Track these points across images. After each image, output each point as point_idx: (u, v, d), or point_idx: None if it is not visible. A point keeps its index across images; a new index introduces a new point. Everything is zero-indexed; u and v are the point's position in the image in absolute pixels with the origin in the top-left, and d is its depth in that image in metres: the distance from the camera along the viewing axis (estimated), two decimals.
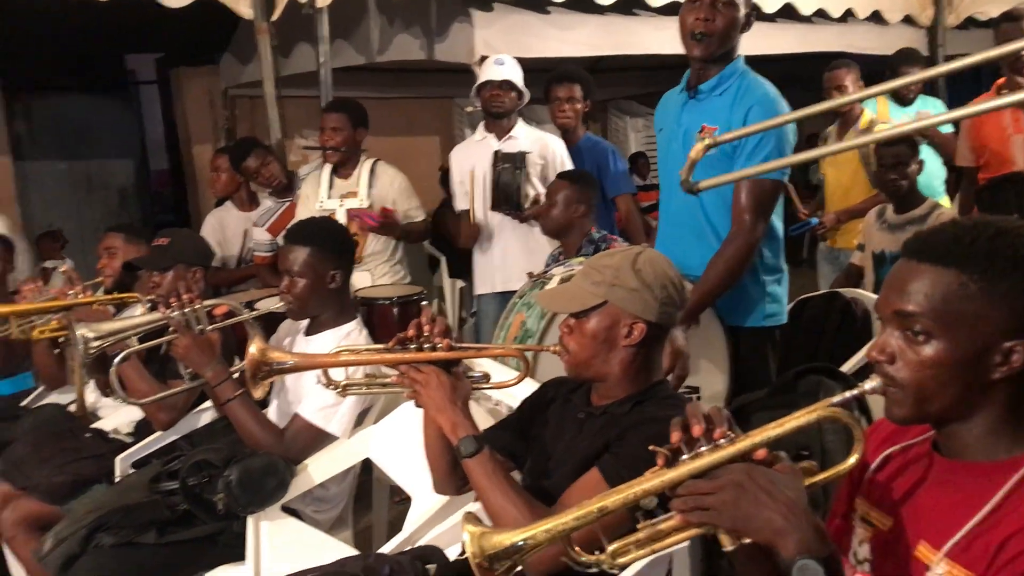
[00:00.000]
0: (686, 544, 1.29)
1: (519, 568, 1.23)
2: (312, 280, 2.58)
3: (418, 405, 1.82)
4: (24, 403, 3.52)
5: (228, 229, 4.55)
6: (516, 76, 3.98)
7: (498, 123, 4.03)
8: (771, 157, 2.45)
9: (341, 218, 3.95)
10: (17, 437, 3.06)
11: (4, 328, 3.05)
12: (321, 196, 4.05)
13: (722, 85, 2.56)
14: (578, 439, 1.79)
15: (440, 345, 1.80)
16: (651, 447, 1.22)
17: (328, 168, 4.10)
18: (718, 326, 2.64)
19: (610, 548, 1.23)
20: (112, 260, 3.42)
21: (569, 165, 3.97)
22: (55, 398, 3.49)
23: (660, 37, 5.06)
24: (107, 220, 7.25)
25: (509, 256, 3.97)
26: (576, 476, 1.68)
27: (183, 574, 2.46)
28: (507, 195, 3.84)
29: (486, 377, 1.94)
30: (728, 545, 1.16)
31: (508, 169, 3.81)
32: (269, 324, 2.97)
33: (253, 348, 1.93)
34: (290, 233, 2.71)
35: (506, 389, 1.99)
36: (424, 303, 3.65)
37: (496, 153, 3.88)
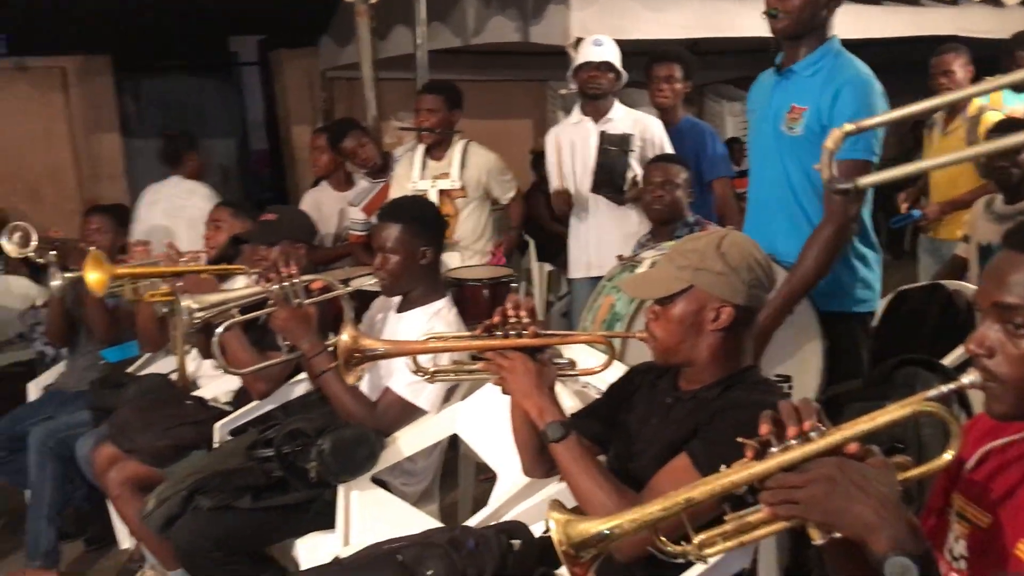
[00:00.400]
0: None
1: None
2: (404, 256, 2.63)
3: (505, 392, 1.84)
4: (130, 370, 3.68)
5: (324, 208, 4.66)
6: (614, 57, 3.93)
7: (595, 105, 3.99)
8: (869, 140, 2.38)
9: (433, 198, 4.00)
10: (123, 403, 3.21)
11: (118, 286, 3.19)
12: (414, 177, 4.11)
13: (814, 65, 2.50)
14: (665, 424, 1.78)
15: (526, 332, 1.82)
16: (739, 439, 1.21)
17: (421, 149, 4.16)
18: (812, 313, 2.58)
19: (697, 539, 1.22)
20: (218, 233, 3.53)
21: (668, 147, 3.92)
22: (159, 366, 3.65)
23: (758, 19, 4.94)
24: None
25: (604, 240, 3.92)
26: (663, 462, 1.68)
27: (275, 538, 2.57)
28: (611, 177, 3.78)
29: (572, 364, 1.94)
30: (818, 539, 1.15)
31: (615, 152, 3.75)
32: (363, 302, 3.05)
33: (345, 335, 1.96)
34: (384, 211, 2.77)
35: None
36: (514, 284, 3.67)
37: (602, 134, 3.82)
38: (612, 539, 1.19)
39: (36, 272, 5.10)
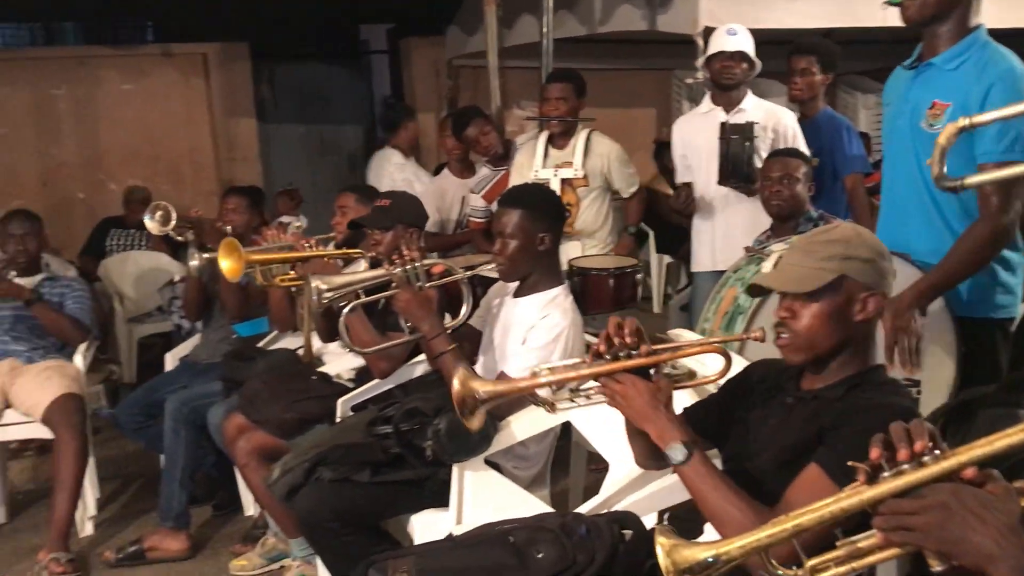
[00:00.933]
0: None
1: None
2: (523, 241, 2.66)
3: (624, 414, 1.79)
4: (259, 345, 3.85)
5: (446, 195, 4.74)
6: (748, 46, 3.83)
7: (727, 95, 3.90)
8: (1019, 138, 2.26)
9: (555, 187, 4.02)
10: (253, 376, 3.37)
11: (251, 271, 3.34)
12: (536, 165, 4.13)
13: (958, 58, 2.36)
14: (785, 424, 1.74)
15: (637, 352, 1.73)
16: (850, 463, 1.18)
17: (544, 138, 4.17)
18: (947, 315, 2.48)
19: (808, 563, 1.20)
20: (344, 218, 3.63)
21: (801, 140, 3.80)
22: (287, 342, 3.81)
23: (895, 8, 4.74)
24: (337, 182, 7.73)
25: (731, 233, 3.81)
26: (782, 464, 1.63)
27: (391, 512, 2.65)
28: (737, 168, 3.67)
29: (690, 374, 1.89)
30: (937, 567, 1.11)
31: (737, 141, 3.65)
32: (483, 287, 3.10)
33: (456, 383, 1.86)
34: (504, 197, 2.80)
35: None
36: (639, 275, 3.64)
37: (723, 125, 3.72)
38: (719, 566, 1.17)
39: (175, 249, 5.39)
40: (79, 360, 3.88)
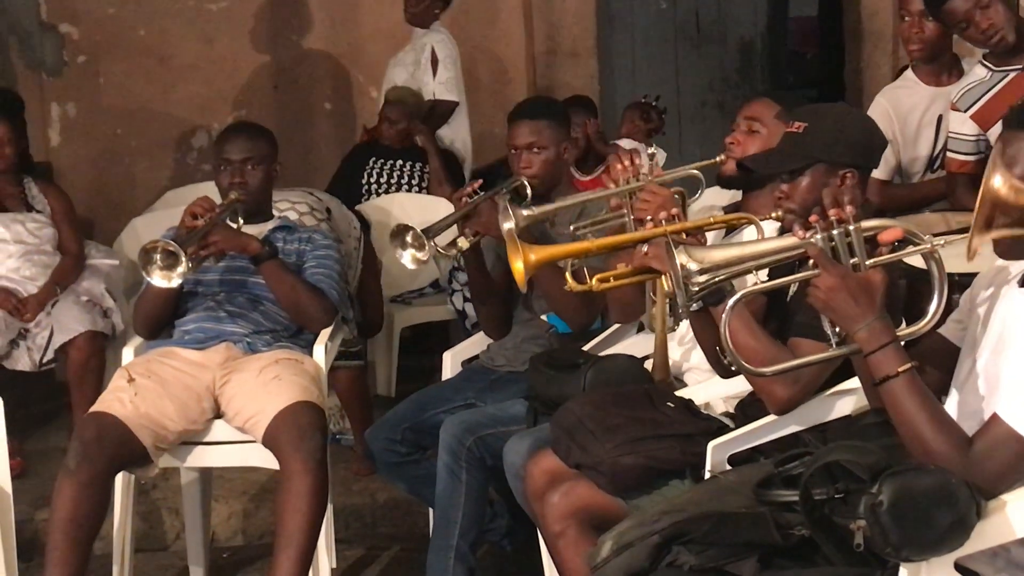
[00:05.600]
0: None
1: None
2: None
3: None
4: (587, 347, 4.00)
5: (903, 111, 4.64)
6: None
7: None
8: None
9: None
10: (575, 394, 3.50)
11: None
12: None
13: None
14: None
15: None
16: None
17: None
18: None
19: None
20: (749, 138, 3.66)
21: None
22: (629, 345, 3.92)
23: None
24: (719, 84, 7.81)
25: None
26: None
27: None
28: None
29: None
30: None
31: None
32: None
33: None
34: (1017, 117, 2.73)
35: None
36: None
37: None
38: None
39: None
40: (320, 354, 4.20)
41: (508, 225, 3.54)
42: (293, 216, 4.78)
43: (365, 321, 5.37)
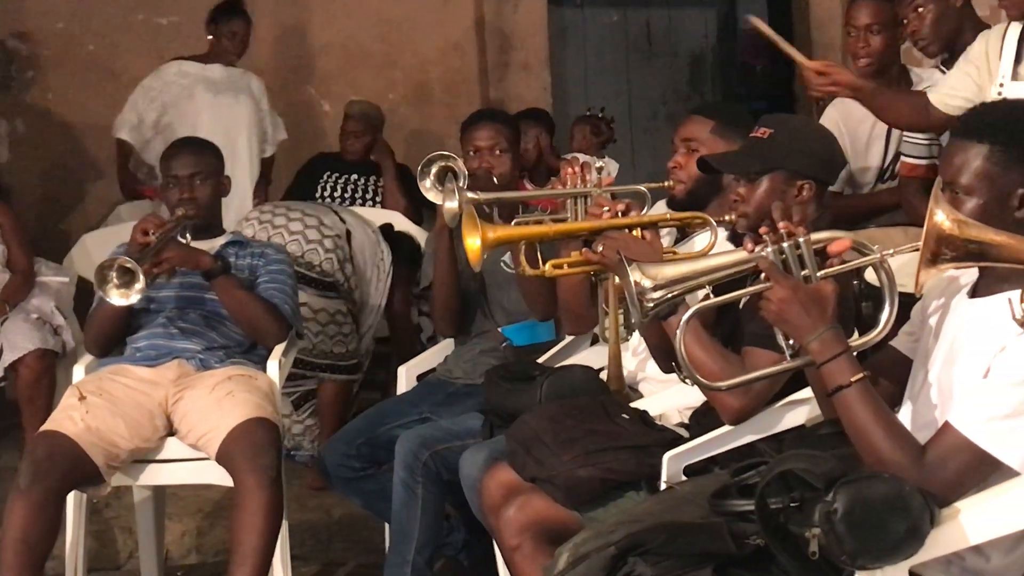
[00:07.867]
0: None
1: None
2: (987, 201, 2.61)
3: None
4: (542, 359, 4.01)
5: (852, 122, 4.63)
6: None
7: None
8: None
9: None
10: (530, 407, 3.49)
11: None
12: (1003, 71, 3.96)
13: None
14: None
15: None
16: None
17: (1018, 30, 4.01)
18: None
19: None
20: (689, 159, 3.67)
21: None
22: (585, 356, 3.93)
23: None
24: (670, 96, 7.84)
25: None
26: None
27: None
28: None
29: None
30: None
31: None
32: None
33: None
34: (962, 125, 2.76)
35: None
36: None
37: None
38: None
39: (417, 207, 5.75)
40: (274, 369, 4.19)
41: (451, 204, 3.73)
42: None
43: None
